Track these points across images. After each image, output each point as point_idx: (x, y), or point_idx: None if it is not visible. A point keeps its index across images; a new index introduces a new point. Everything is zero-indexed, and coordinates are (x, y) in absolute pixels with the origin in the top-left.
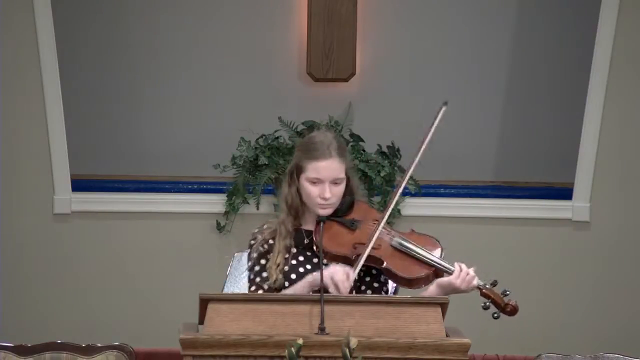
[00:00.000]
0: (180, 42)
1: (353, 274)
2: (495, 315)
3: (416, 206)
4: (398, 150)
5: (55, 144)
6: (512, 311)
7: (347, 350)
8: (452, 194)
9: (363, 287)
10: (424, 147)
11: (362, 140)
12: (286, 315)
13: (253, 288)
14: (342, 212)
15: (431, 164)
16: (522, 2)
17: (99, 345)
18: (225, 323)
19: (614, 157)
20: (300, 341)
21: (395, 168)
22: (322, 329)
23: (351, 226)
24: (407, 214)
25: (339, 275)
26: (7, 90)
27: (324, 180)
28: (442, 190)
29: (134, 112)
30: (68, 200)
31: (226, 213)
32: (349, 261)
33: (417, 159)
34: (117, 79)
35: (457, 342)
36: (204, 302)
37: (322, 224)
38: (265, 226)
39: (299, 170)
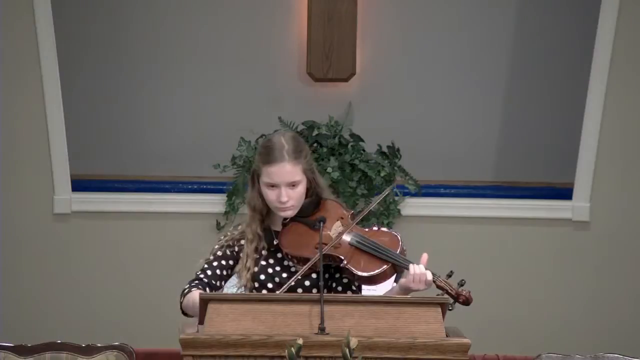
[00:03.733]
0: (180, 42)
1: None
2: (450, 307)
3: (416, 206)
4: (398, 150)
5: (55, 144)
6: (465, 301)
7: (347, 350)
8: (452, 194)
9: (334, 285)
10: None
11: (362, 140)
12: (286, 315)
13: (195, 277)
14: (308, 212)
15: (431, 164)
16: (522, 3)
17: (99, 345)
18: (225, 323)
19: (614, 157)
20: (300, 341)
21: (395, 168)
22: (322, 329)
23: (314, 227)
24: (407, 214)
25: None
26: (7, 90)
27: (278, 184)
28: (442, 190)
29: (134, 112)
30: (68, 200)
31: (226, 213)
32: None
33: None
34: (117, 79)
35: (457, 342)
36: (204, 302)
37: (321, 224)
38: (239, 227)
39: (257, 174)
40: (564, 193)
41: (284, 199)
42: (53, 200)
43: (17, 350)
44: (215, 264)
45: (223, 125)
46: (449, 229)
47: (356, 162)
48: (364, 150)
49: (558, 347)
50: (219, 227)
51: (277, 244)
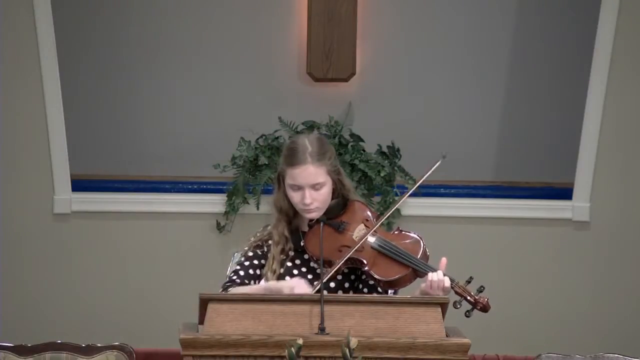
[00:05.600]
0: (180, 42)
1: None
2: (467, 313)
3: (416, 206)
4: (398, 150)
5: (55, 144)
6: (483, 308)
7: (347, 350)
8: (452, 194)
9: (360, 286)
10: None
11: (362, 140)
12: (286, 315)
13: (227, 280)
14: (334, 214)
15: (431, 164)
16: (522, 2)
17: (99, 345)
18: (225, 323)
19: (614, 157)
20: (300, 341)
21: (395, 168)
22: (322, 329)
23: (339, 229)
24: (407, 214)
25: (301, 290)
26: (7, 90)
27: (302, 186)
28: (442, 190)
29: (134, 112)
30: (68, 200)
31: (226, 213)
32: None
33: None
34: (117, 79)
35: (457, 342)
36: (204, 302)
37: (321, 224)
38: (268, 227)
39: (282, 176)
40: (564, 193)
41: (308, 200)
42: (53, 200)
43: (17, 350)
44: (247, 263)
45: (223, 125)
46: (449, 229)
47: (356, 162)
48: (364, 150)
49: (558, 347)
50: (219, 227)
51: (304, 245)
